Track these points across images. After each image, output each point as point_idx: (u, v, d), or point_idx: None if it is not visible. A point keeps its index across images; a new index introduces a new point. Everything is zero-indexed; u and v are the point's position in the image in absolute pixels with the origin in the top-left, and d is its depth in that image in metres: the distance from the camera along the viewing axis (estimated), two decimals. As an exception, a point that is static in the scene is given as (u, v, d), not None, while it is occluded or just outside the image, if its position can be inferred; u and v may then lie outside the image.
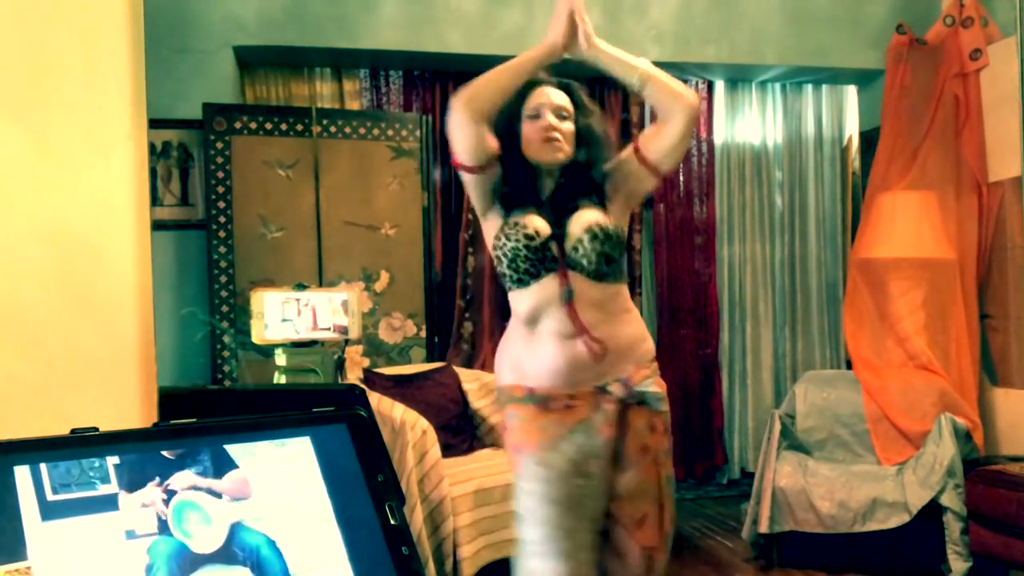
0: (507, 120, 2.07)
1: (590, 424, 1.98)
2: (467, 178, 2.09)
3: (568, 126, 2.07)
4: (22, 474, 0.86)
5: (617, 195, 2.10)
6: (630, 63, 2.03)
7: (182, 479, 0.92)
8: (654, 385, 2.04)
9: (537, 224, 2.01)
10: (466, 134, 2.00)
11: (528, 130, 2.06)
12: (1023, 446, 4.05)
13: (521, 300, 2.03)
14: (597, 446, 1.97)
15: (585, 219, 2.01)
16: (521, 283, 2.01)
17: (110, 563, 0.84)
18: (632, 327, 2.07)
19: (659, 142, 2.04)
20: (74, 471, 0.88)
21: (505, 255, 2.01)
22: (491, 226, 2.10)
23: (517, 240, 1.99)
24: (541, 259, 1.99)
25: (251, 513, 0.93)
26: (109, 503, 0.88)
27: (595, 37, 2.07)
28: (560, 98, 2.09)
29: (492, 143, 2.06)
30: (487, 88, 2.01)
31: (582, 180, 2.08)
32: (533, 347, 2.01)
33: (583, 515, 1.98)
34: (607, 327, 2.00)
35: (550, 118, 2.05)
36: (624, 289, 2.09)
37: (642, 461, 2.01)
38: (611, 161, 2.12)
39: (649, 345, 2.10)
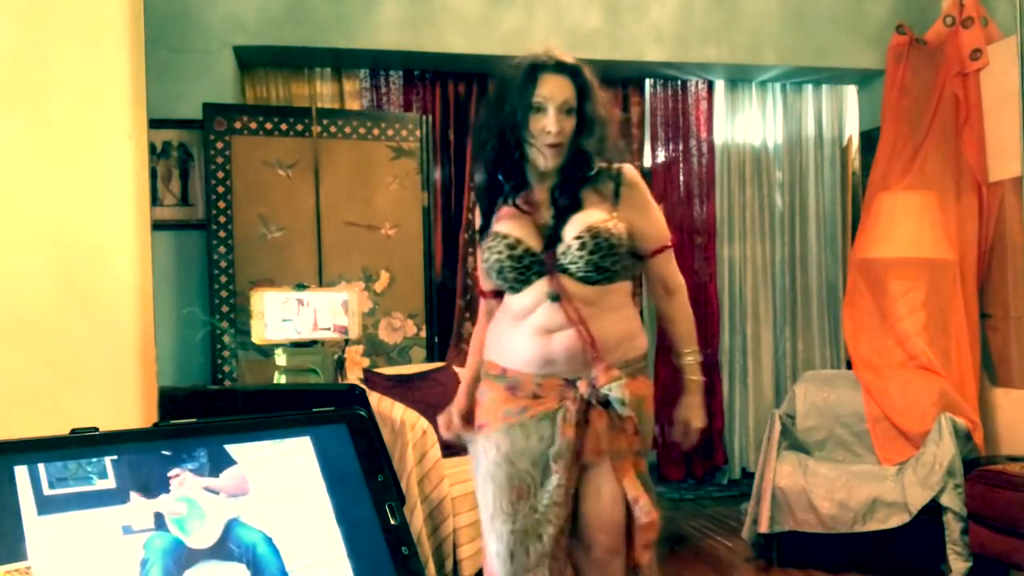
0: (512, 109, 2.01)
1: (552, 418, 1.99)
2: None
3: (571, 121, 2.02)
4: (22, 474, 0.86)
5: (631, 206, 2.08)
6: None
7: (179, 475, 0.92)
8: (621, 389, 1.97)
9: (520, 232, 2.00)
10: None
11: (533, 126, 2.01)
12: (1023, 446, 4.05)
13: (512, 300, 2.05)
14: (556, 442, 1.97)
15: (580, 223, 1.99)
16: (513, 289, 2.04)
17: (106, 558, 0.85)
18: (622, 325, 2.04)
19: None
20: (71, 466, 0.89)
21: (492, 268, 2.03)
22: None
23: (500, 253, 2.00)
24: (527, 267, 2.00)
25: (248, 510, 0.93)
26: (106, 498, 0.88)
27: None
28: (566, 90, 2.01)
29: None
30: None
31: (581, 175, 2.05)
32: (516, 333, 2.03)
33: (528, 503, 1.98)
34: (594, 323, 1.98)
35: (553, 117, 1.98)
36: (621, 287, 2.06)
37: (600, 463, 2.00)
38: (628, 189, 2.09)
39: (638, 344, 2.07)
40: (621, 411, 1.99)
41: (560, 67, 2.02)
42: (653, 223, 2.12)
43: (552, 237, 2.01)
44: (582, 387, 1.98)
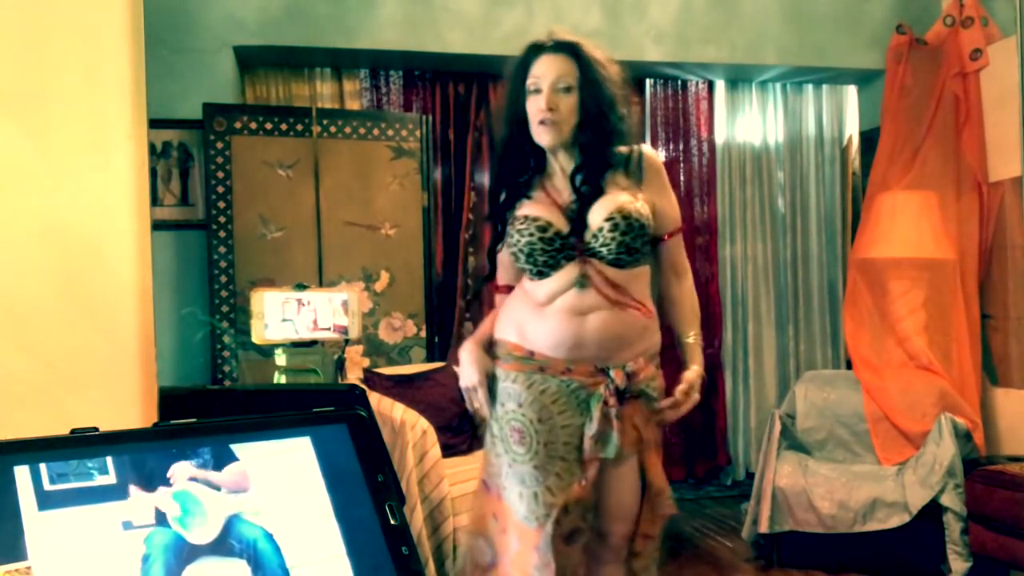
0: (514, 94, 2.01)
1: (585, 395, 1.98)
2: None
3: (570, 99, 1.98)
4: (22, 474, 0.86)
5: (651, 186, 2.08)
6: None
7: (180, 470, 0.92)
8: (656, 388, 2.04)
9: (550, 215, 1.99)
10: None
11: (529, 107, 2.00)
12: (1023, 446, 4.05)
13: (539, 286, 2.01)
14: (594, 427, 1.96)
15: (607, 205, 1.97)
16: (541, 275, 2.00)
17: (107, 554, 0.85)
18: (647, 314, 2.05)
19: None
20: (72, 463, 0.89)
21: (522, 251, 1.99)
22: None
23: (531, 235, 1.97)
24: (559, 249, 1.97)
25: (249, 506, 0.93)
26: (106, 494, 0.88)
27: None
28: (561, 68, 1.98)
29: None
30: None
31: (601, 157, 2.01)
32: (542, 317, 2.00)
33: (541, 457, 1.96)
34: (623, 309, 1.99)
35: (546, 96, 1.96)
36: (643, 273, 2.06)
37: (633, 455, 2.01)
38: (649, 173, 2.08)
39: (658, 338, 2.09)
40: (653, 406, 2.02)
41: (558, 46, 2.00)
42: (672, 205, 2.13)
43: (578, 221, 1.98)
44: (618, 377, 1.97)
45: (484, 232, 4.55)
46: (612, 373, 1.97)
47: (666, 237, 2.13)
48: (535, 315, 2.01)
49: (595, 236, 1.96)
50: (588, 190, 1.99)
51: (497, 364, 2.07)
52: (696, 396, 2.07)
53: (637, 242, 1.99)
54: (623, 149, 2.06)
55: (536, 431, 1.96)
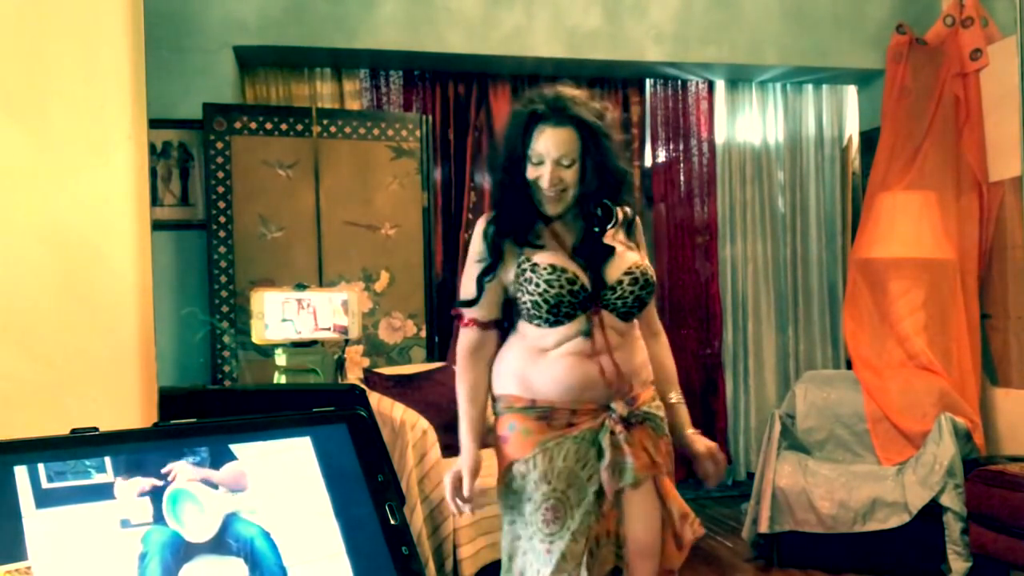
0: (514, 161, 1.99)
1: (592, 440, 1.98)
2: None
3: (573, 171, 1.97)
4: (22, 474, 0.86)
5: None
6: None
7: (177, 468, 0.92)
8: (659, 408, 2.07)
9: (574, 268, 1.97)
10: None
11: (531, 173, 1.98)
12: (1023, 446, 4.05)
13: (547, 334, 1.98)
14: (607, 461, 1.96)
15: (624, 261, 2.01)
16: (555, 323, 1.97)
17: (104, 552, 0.85)
18: (642, 352, 2.10)
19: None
20: (70, 462, 0.89)
21: (546, 300, 1.94)
22: (510, 262, 2.02)
23: (561, 288, 1.94)
24: (581, 303, 1.96)
25: (247, 505, 0.93)
26: (104, 492, 0.88)
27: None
28: (563, 144, 1.95)
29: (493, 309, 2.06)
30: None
31: (603, 229, 2.04)
32: (544, 365, 1.99)
33: (561, 523, 1.96)
34: (623, 352, 2.01)
35: (550, 171, 1.95)
36: (636, 321, 2.10)
37: (644, 483, 2.01)
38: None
39: (650, 368, 2.12)
40: (661, 429, 2.05)
41: (560, 118, 1.94)
42: (650, 266, 2.15)
43: (594, 275, 1.99)
44: (619, 407, 1.97)
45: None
46: (613, 404, 1.98)
47: None
48: (539, 361, 1.99)
49: (612, 289, 1.98)
50: (599, 247, 2.02)
51: (499, 424, 2.05)
52: (719, 454, 2.19)
53: (649, 297, 2.04)
54: (624, 209, 2.11)
55: (568, 498, 1.96)
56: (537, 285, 1.95)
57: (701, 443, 2.16)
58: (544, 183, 1.95)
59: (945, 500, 3.49)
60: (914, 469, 3.61)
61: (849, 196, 5.18)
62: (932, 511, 3.51)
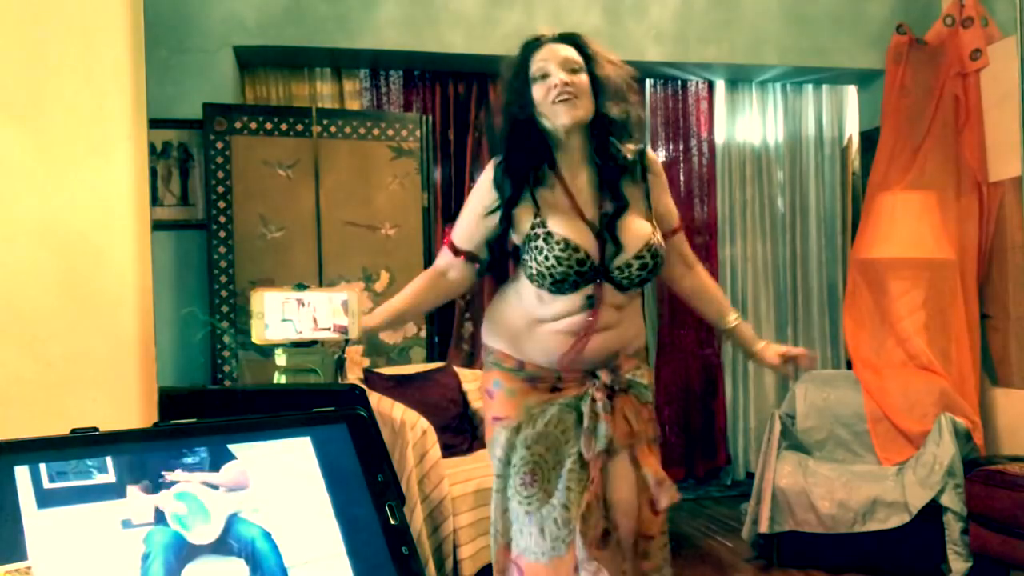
0: (519, 92, 1.96)
1: (575, 407, 1.99)
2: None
3: (582, 78, 1.93)
4: (22, 474, 0.86)
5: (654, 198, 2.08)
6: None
7: (179, 470, 0.92)
8: (643, 376, 2.05)
9: (584, 240, 1.94)
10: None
11: (538, 94, 1.93)
12: (1023, 446, 4.05)
13: (545, 304, 1.98)
14: (586, 432, 1.97)
15: (636, 240, 1.95)
16: (558, 292, 1.96)
17: (106, 553, 0.85)
18: (637, 321, 2.09)
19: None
20: (71, 462, 0.89)
21: (552, 275, 1.92)
22: (524, 219, 1.97)
23: (569, 267, 1.91)
24: (587, 279, 1.95)
25: (248, 505, 0.93)
26: (105, 493, 0.88)
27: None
28: (566, 51, 1.94)
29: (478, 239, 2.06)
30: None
31: (618, 171, 1.98)
32: (537, 336, 2.00)
33: (539, 487, 1.98)
34: (618, 329, 2.01)
35: (559, 75, 1.91)
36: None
37: (623, 449, 2.00)
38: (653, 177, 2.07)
39: (643, 339, 2.12)
40: (645, 396, 2.03)
41: (559, 37, 1.97)
42: (671, 204, 2.14)
43: (603, 243, 1.95)
44: (604, 376, 1.98)
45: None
46: (599, 373, 1.99)
47: (671, 234, 2.13)
48: (532, 331, 2.00)
49: (621, 269, 1.96)
50: (614, 205, 1.96)
51: (485, 377, 2.08)
52: (797, 351, 2.15)
53: (654, 277, 2.03)
54: (629, 147, 2.04)
55: (547, 462, 1.98)
56: (547, 258, 1.91)
57: (772, 356, 2.15)
58: (554, 88, 1.89)
59: (945, 500, 3.49)
60: (914, 469, 3.61)
61: (849, 196, 5.18)
62: (932, 511, 3.51)
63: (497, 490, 2.05)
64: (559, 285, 1.94)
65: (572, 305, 1.97)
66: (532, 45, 1.97)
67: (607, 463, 1.99)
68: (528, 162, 1.97)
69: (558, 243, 1.92)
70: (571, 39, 1.97)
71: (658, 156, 5.10)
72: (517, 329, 2.02)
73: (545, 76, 1.92)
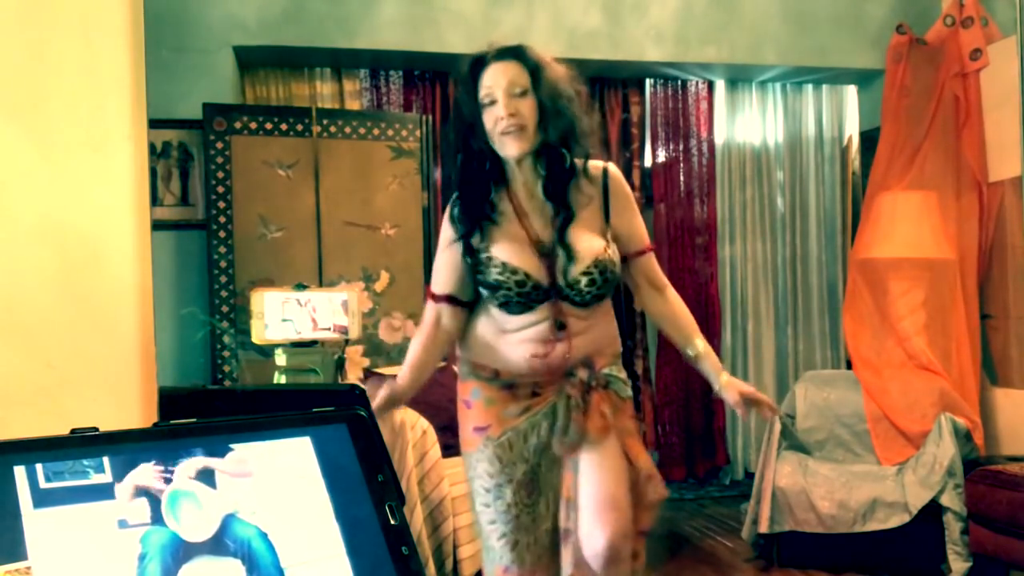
0: (467, 110, 1.96)
1: (550, 414, 2.01)
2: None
3: (527, 103, 1.92)
4: (21, 474, 0.86)
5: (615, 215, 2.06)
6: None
7: (179, 470, 0.92)
8: (620, 372, 2.07)
9: (527, 264, 1.95)
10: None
11: (488, 122, 1.93)
12: (1023, 446, 4.05)
13: (508, 319, 2.00)
14: (559, 429, 1.99)
15: (585, 254, 1.96)
16: (511, 312, 1.99)
17: (103, 552, 0.85)
18: (609, 327, 2.09)
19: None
20: (69, 462, 0.89)
21: (495, 296, 1.97)
22: (476, 246, 2.02)
23: (509, 289, 1.95)
24: (535, 299, 1.96)
25: (245, 505, 0.93)
26: (103, 492, 0.88)
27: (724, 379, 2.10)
28: (511, 73, 1.92)
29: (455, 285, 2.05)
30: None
31: (565, 177, 1.98)
32: (506, 345, 2.02)
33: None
34: (587, 335, 2.02)
35: (503, 103, 1.90)
36: (608, 299, 2.08)
37: (605, 440, 1.99)
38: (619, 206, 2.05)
39: (618, 346, 2.12)
40: (622, 391, 2.04)
41: (501, 54, 1.95)
42: (640, 226, 2.12)
43: (552, 260, 1.96)
44: (581, 373, 2.00)
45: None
46: (576, 371, 2.00)
47: (637, 255, 2.11)
48: (502, 340, 2.02)
49: (571, 286, 1.96)
50: (562, 215, 1.97)
51: (462, 387, 2.10)
52: (753, 392, 2.10)
53: (608, 289, 2.01)
54: (585, 162, 2.02)
55: (512, 481, 2.02)
56: (489, 281, 1.97)
57: (732, 393, 2.06)
58: (501, 115, 1.90)
59: (945, 500, 3.48)
60: (914, 469, 3.61)
61: (849, 196, 5.18)
62: (932, 511, 3.50)
63: (475, 502, 2.08)
64: (506, 307, 1.98)
65: (534, 319, 1.99)
66: (477, 66, 1.96)
67: (587, 457, 1.99)
68: (481, 193, 2.00)
69: (496, 267, 1.96)
70: (514, 52, 1.95)
71: (658, 157, 5.11)
72: (489, 339, 2.04)
73: (493, 103, 1.93)
